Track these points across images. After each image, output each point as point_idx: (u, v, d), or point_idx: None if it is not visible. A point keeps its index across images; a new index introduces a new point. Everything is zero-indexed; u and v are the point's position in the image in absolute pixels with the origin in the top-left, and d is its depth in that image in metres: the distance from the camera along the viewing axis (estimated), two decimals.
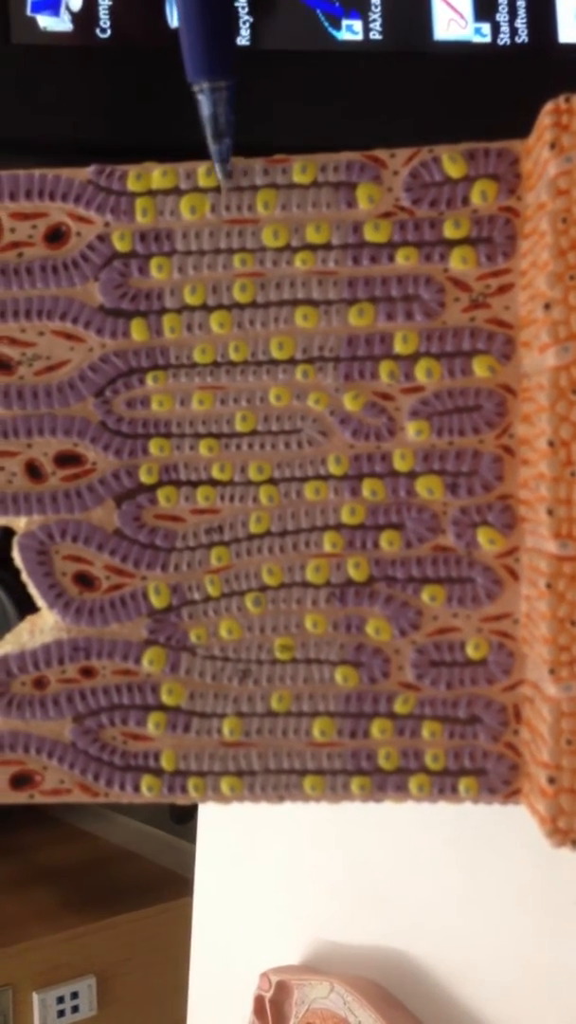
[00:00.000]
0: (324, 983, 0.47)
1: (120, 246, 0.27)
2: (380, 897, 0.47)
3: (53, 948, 1.24)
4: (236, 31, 0.32)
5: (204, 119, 0.26)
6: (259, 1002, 0.49)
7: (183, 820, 1.42)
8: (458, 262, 0.26)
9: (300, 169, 0.27)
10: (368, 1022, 0.44)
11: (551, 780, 0.24)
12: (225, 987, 0.55)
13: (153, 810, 1.51)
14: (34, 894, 1.35)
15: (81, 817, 1.60)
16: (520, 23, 0.34)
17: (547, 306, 0.24)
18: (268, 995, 0.49)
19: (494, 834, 0.43)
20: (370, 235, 0.27)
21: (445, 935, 0.45)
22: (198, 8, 0.25)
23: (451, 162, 0.26)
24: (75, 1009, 1.26)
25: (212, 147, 0.26)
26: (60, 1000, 1.24)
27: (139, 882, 1.39)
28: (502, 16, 0.34)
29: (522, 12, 0.34)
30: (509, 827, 0.42)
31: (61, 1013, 1.24)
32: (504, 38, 0.34)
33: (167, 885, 1.36)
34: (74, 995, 1.26)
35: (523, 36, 0.34)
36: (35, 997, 1.23)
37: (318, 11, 0.34)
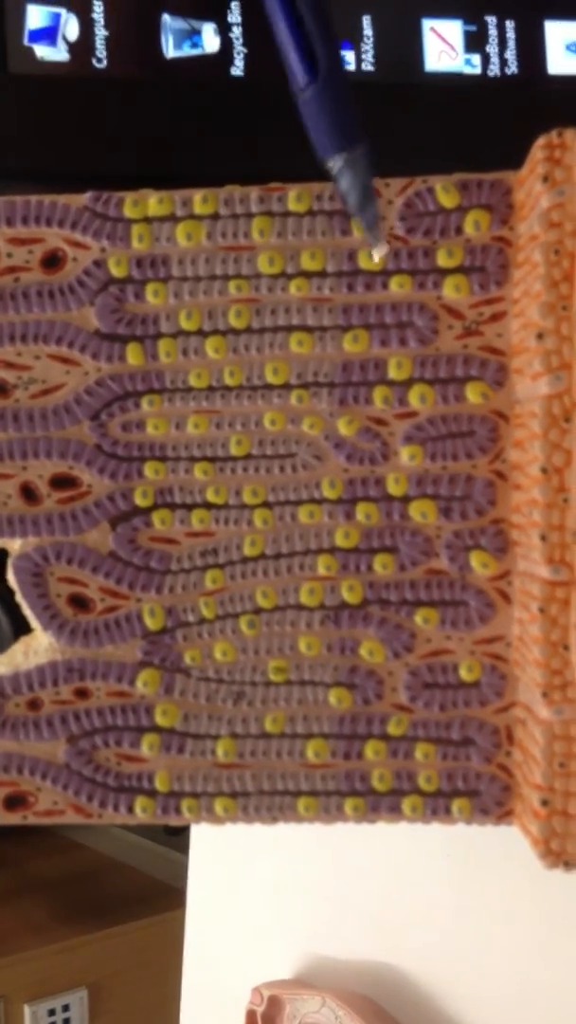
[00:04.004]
0: (316, 997, 0.47)
1: (116, 271, 0.28)
2: (372, 911, 0.47)
3: (44, 960, 1.23)
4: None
5: (344, 191, 0.25)
6: (251, 1016, 0.49)
7: (175, 832, 1.42)
8: (451, 290, 0.27)
9: (296, 197, 0.27)
10: None
11: (544, 802, 0.24)
12: (217, 1001, 0.55)
13: None
14: (25, 906, 1.34)
15: (72, 828, 1.59)
16: (510, 55, 0.34)
17: (540, 335, 0.24)
18: (260, 1009, 0.49)
19: (486, 848, 0.43)
20: (365, 263, 0.27)
21: (437, 950, 0.45)
22: (324, 90, 0.24)
23: (445, 192, 0.26)
24: (66, 1022, 1.25)
25: (359, 218, 0.26)
26: (51, 1012, 1.24)
27: (131, 894, 1.39)
28: (492, 48, 0.35)
29: (512, 44, 0.34)
30: (500, 841, 0.42)
31: None
32: (494, 69, 0.35)
33: (159, 897, 1.35)
34: (65, 1007, 1.25)
35: (513, 67, 0.34)
36: (26, 1009, 1.23)
37: None
